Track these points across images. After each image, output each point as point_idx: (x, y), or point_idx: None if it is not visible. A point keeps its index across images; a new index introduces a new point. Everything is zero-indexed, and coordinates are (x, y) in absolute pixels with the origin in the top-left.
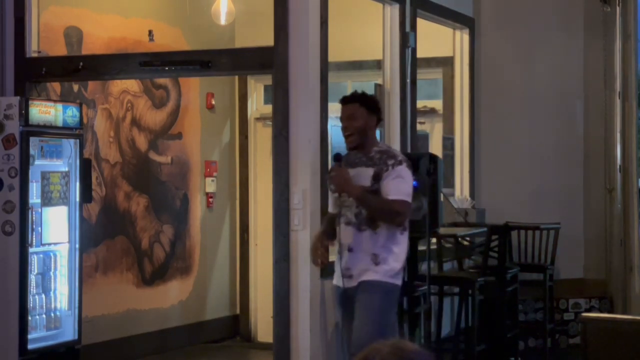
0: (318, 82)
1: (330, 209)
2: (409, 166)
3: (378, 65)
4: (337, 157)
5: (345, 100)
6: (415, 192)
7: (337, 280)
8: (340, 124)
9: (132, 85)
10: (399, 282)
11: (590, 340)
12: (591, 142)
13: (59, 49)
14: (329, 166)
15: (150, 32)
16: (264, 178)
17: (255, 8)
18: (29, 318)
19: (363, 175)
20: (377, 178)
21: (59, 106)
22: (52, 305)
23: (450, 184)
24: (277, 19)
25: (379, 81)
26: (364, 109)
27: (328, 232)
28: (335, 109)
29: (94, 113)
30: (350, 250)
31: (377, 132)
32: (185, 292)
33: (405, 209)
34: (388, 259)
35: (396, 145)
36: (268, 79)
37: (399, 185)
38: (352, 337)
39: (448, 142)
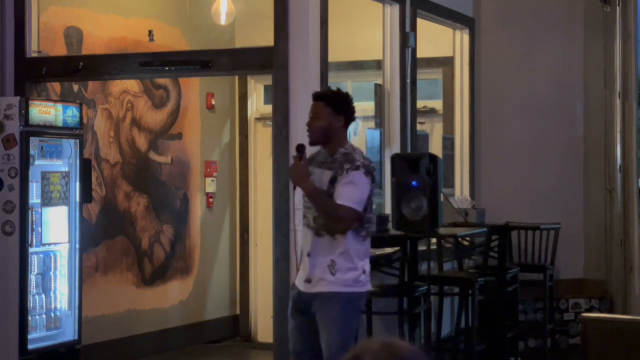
0: (318, 82)
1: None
2: (367, 173)
3: (378, 65)
4: (300, 148)
5: (314, 97)
6: (415, 192)
7: (298, 280)
8: None
9: (132, 85)
10: (360, 289)
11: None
12: (591, 142)
13: (59, 49)
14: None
15: (150, 32)
16: (264, 178)
17: (255, 8)
18: (29, 318)
19: (324, 177)
20: (333, 181)
21: (59, 106)
22: (52, 305)
23: (450, 184)
24: (277, 19)
25: (379, 81)
26: (330, 109)
27: None
28: None
29: (94, 113)
30: (308, 255)
31: (348, 132)
32: (185, 292)
33: (349, 216)
34: (344, 267)
35: (396, 145)
36: (268, 79)
37: (349, 191)
38: (325, 355)
39: (448, 142)
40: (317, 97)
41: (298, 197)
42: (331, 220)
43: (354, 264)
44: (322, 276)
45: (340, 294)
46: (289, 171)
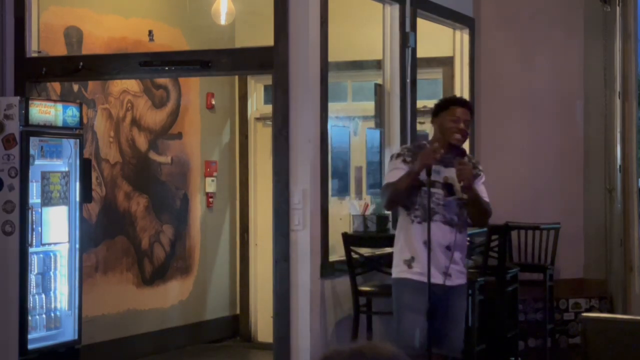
0: (318, 82)
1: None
2: None
3: (378, 65)
4: (464, 152)
5: (463, 103)
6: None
7: (424, 276)
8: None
9: (132, 85)
10: None
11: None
12: (591, 142)
13: (59, 49)
14: (329, 166)
15: (150, 32)
16: (264, 178)
17: (255, 8)
18: (29, 318)
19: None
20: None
21: (59, 106)
22: (52, 305)
23: None
24: (277, 19)
25: (379, 81)
26: (471, 119)
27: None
28: (335, 109)
29: (94, 113)
30: (448, 249)
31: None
32: (185, 292)
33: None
34: (465, 261)
35: (396, 145)
36: (268, 79)
37: (484, 189)
38: (453, 344)
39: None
40: (465, 103)
41: (298, 197)
42: (485, 217)
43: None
44: (462, 269)
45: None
46: (460, 174)
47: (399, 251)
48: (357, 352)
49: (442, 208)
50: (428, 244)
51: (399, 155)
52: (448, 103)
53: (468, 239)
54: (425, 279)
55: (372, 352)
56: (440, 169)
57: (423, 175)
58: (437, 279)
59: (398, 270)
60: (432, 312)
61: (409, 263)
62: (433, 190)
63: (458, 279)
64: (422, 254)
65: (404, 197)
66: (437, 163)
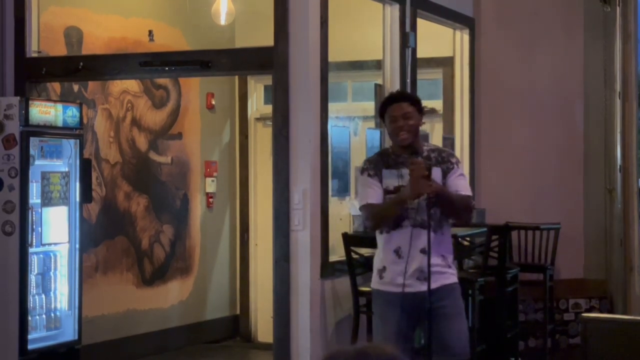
0: (318, 82)
1: (372, 200)
2: None
3: (378, 65)
4: (416, 152)
5: (395, 98)
6: None
7: (393, 286)
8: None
9: (132, 85)
10: None
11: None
12: (591, 142)
13: (59, 49)
14: (329, 167)
15: (150, 32)
16: (264, 178)
17: (255, 8)
18: (29, 318)
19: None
20: (443, 177)
21: (59, 106)
22: (52, 305)
23: None
24: (277, 19)
25: (379, 81)
26: (413, 108)
27: None
28: (335, 109)
29: (94, 113)
30: (423, 252)
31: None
32: (185, 292)
33: (473, 205)
34: (452, 259)
35: None
36: (268, 79)
37: (464, 182)
38: (454, 345)
39: (448, 142)
40: (399, 98)
41: (298, 197)
42: (464, 213)
43: (453, 256)
44: (442, 270)
45: (457, 285)
46: (411, 181)
47: (375, 262)
48: (362, 352)
49: (412, 212)
50: (427, 250)
51: (362, 170)
52: (383, 105)
53: (455, 235)
54: (395, 289)
55: (377, 353)
56: (403, 172)
57: (391, 180)
58: (414, 286)
59: (373, 281)
60: (414, 321)
61: (380, 273)
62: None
63: (440, 280)
64: (392, 263)
65: (391, 222)
66: (396, 167)
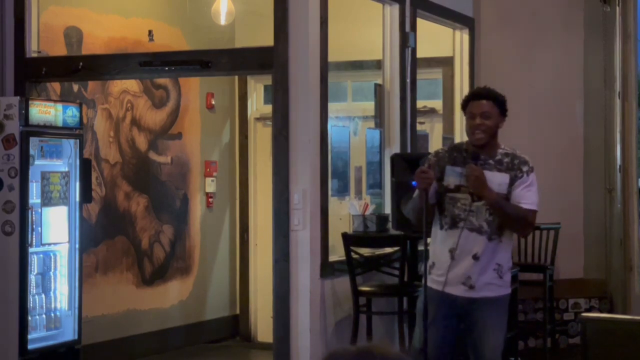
0: (318, 82)
1: (414, 194)
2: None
3: (378, 65)
4: (476, 156)
5: (478, 95)
6: (415, 192)
7: (437, 284)
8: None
9: (132, 85)
10: (509, 289)
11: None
12: (591, 142)
13: (59, 49)
14: (329, 167)
15: (150, 32)
16: (264, 178)
17: (255, 8)
18: (29, 318)
19: (495, 180)
20: (511, 184)
21: (59, 106)
22: (52, 305)
23: None
24: (277, 19)
25: (379, 81)
26: (497, 109)
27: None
28: (335, 109)
29: (94, 113)
30: (476, 258)
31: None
32: (185, 292)
33: (535, 220)
34: (507, 269)
35: (396, 145)
36: (268, 79)
37: (532, 194)
38: (488, 357)
39: (448, 142)
40: (483, 95)
41: (298, 197)
42: (520, 227)
43: (510, 265)
44: (492, 281)
45: (506, 296)
46: (468, 178)
47: (430, 256)
48: (366, 350)
49: (470, 214)
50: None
51: (423, 161)
52: (465, 101)
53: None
54: (436, 287)
55: (380, 352)
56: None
57: (453, 178)
58: (457, 290)
59: (424, 276)
60: (449, 321)
61: (430, 269)
62: (459, 195)
63: (485, 291)
64: (443, 261)
65: (421, 215)
66: (463, 164)
